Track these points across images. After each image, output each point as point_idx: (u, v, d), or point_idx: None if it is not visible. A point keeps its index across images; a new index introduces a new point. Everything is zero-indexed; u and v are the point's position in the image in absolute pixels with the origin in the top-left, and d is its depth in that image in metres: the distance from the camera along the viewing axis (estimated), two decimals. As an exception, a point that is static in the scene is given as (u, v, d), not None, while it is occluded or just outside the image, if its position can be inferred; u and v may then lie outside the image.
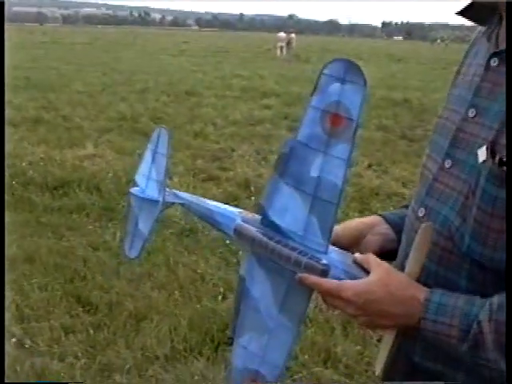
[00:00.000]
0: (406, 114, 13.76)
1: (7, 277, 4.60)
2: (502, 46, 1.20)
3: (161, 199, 1.49)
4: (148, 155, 1.54)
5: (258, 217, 1.36)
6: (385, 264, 1.24)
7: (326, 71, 1.19)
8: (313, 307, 4.24)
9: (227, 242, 5.44)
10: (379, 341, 4.02)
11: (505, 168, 1.10)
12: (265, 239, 1.32)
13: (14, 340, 3.83)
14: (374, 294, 1.19)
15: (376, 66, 31.00)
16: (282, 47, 36.38)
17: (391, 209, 6.50)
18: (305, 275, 1.26)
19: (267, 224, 1.33)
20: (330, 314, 4.18)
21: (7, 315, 4.09)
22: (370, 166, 8.78)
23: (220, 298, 4.49)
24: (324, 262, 1.26)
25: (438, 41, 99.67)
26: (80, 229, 5.89)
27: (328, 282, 1.24)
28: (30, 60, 24.97)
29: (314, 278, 1.25)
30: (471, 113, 1.23)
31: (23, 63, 23.05)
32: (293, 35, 38.60)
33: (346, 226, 1.48)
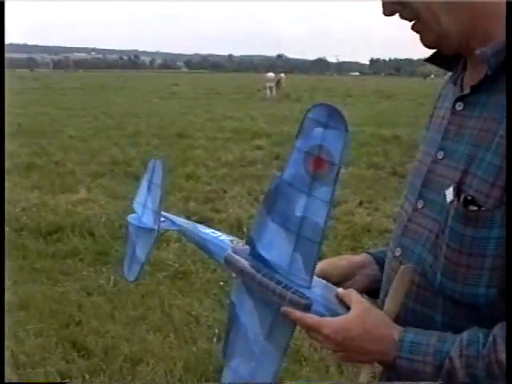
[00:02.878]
0: (396, 151, 13.84)
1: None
2: (467, 90, 1.27)
3: (156, 227, 1.55)
4: (144, 185, 1.61)
5: (247, 247, 1.41)
6: (364, 302, 1.30)
7: (310, 115, 1.24)
8: (307, 346, 4.27)
9: (221, 283, 5.48)
10: (374, 377, 4.04)
11: (470, 207, 1.16)
12: (252, 271, 1.38)
13: (9, 387, 3.84)
14: (352, 332, 1.24)
15: (365, 103, 31.26)
16: (271, 87, 36.60)
17: (383, 246, 6.54)
18: (288, 310, 1.32)
19: (255, 256, 1.38)
20: (324, 352, 4.20)
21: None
22: (361, 203, 8.82)
23: (215, 339, 4.51)
24: (307, 296, 1.31)
25: (432, 76, 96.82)
26: (74, 274, 5.91)
27: (309, 318, 1.29)
28: (21, 106, 25.04)
29: (296, 313, 1.31)
30: (440, 155, 1.30)
31: (14, 109, 23.14)
32: (282, 75, 38.95)
33: (336, 265, 1.53)
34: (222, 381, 1.48)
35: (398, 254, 1.36)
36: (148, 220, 1.58)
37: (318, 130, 1.23)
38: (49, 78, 74.10)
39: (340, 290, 1.35)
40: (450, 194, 1.21)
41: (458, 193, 1.19)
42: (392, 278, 1.32)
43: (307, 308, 1.31)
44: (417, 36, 1.27)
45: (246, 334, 1.42)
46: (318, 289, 1.35)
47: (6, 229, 7.01)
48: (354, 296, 1.31)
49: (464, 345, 1.15)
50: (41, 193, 9.28)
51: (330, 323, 1.27)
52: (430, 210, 1.29)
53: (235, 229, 7.34)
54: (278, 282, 1.34)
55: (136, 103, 29.75)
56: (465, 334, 1.17)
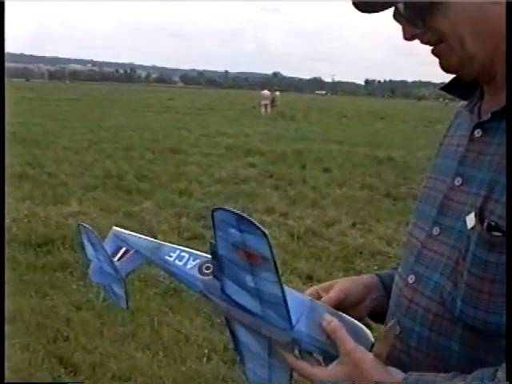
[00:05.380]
0: (389, 172, 13.85)
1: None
2: (486, 116, 1.24)
3: (119, 276, 1.49)
4: (89, 247, 1.52)
5: (218, 283, 1.30)
6: (353, 353, 1.23)
7: (217, 216, 1.13)
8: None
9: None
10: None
11: (494, 233, 1.12)
12: (231, 312, 1.31)
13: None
14: None
15: (359, 124, 31.32)
16: (266, 105, 36.71)
17: (375, 268, 6.51)
18: (281, 352, 1.30)
19: (227, 296, 1.29)
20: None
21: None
22: (354, 224, 8.80)
23: (205, 359, 4.45)
24: (293, 339, 1.26)
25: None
26: (63, 287, 5.84)
27: (298, 366, 1.27)
28: (17, 116, 25.02)
29: (289, 359, 1.29)
30: (457, 181, 1.27)
31: (9, 119, 23.10)
32: (277, 93, 39.11)
33: (357, 288, 1.49)
34: (245, 375, 1.46)
35: (411, 281, 1.32)
36: (109, 269, 1.49)
37: (235, 231, 1.12)
38: (44, 88, 74.12)
39: (325, 323, 1.29)
40: (471, 219, 1.18)
41: (480, 219, 1.16)
42: (403, 305, 1.30)
43: (297, 344, 1.27)
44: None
45: (250, 349, 1.38)
46: (302, 322, 1.27)
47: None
48: (339, 337, 1.26)
49: None
50: (32, 204, 9.22)
51: (320, 377, 1.25)
52: (448, 236, 1.25)
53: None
54: (260, 326, 1.28)
55: (131, 117, 29.77)
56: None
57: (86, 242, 1.51)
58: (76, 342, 4.66)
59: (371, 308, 1.49)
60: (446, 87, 1.36)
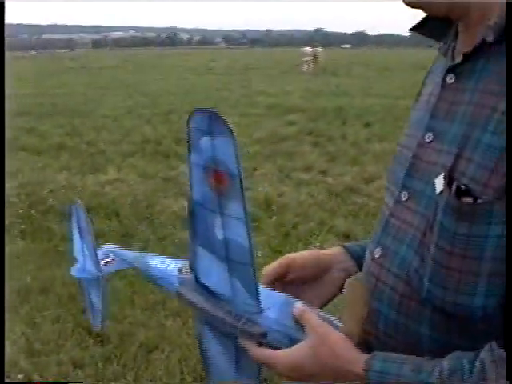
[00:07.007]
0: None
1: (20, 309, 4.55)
2: (458, 59, 1.07)
3: (100, 274, 1.47)
4: (76, 233, 1.52)
5: (193, 276, 1.28)
6: (320, 328, 1.10)
7: (192, 124, 1.07)
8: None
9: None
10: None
11: (464, 199, 0.95)
12: (201, 303, 1.25)
13: (20, 376, 3.75)
14: (306, 369, 1.08)
15: (402, 77, 30.75)
16: (308, 62, 36.30)
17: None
18: (243, 343, 1.18)
19: (200, 285, 1.26)
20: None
21: (15, 349, 4.02)
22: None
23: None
24: (260, 326, 1.18)
25: None
26: (98, 256, 5.80)
27: (260, 354, 1.15)
28: (58, 86, 25.20)
29: (250, 348, 1.17)
30: (428, 137, 1.09)
31: (50, 90, 23.29)
32: (319, 49, 38.54)
33: (310, 257, 1.36)
34: None
35: (377, 255, 1.16)
36: (91, 267, 1.49)
37: (206, 140, 1.05)
38: (87, 57, 74.46)
39: (295, 309, 1.16)
40: (439, 183, 1.01)
41: (449, 181, 0.99)
42: (371, 282, 1.14)
43: (263, 336, 1.17)
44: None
45: (218, 365, 1.34)
46: (273, 311, 1.19)
47: (32, 211, 6.98)
48: (308, 318, 1.13)
49: (445, 375, 0.94)
50: (70, 174, 9.23)
51: (281, 359, 1.11)
52: (417, 202, 1.08)
53: (263, 207, 7.21)
54: (228, 312, 1.21)
55: (172, 81, 29.66)
56: (445, 363, 0.96)
57: (74, 224, 1.50)
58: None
59: (342, 282, 1.30)
60: (418, 27, 1.18)
